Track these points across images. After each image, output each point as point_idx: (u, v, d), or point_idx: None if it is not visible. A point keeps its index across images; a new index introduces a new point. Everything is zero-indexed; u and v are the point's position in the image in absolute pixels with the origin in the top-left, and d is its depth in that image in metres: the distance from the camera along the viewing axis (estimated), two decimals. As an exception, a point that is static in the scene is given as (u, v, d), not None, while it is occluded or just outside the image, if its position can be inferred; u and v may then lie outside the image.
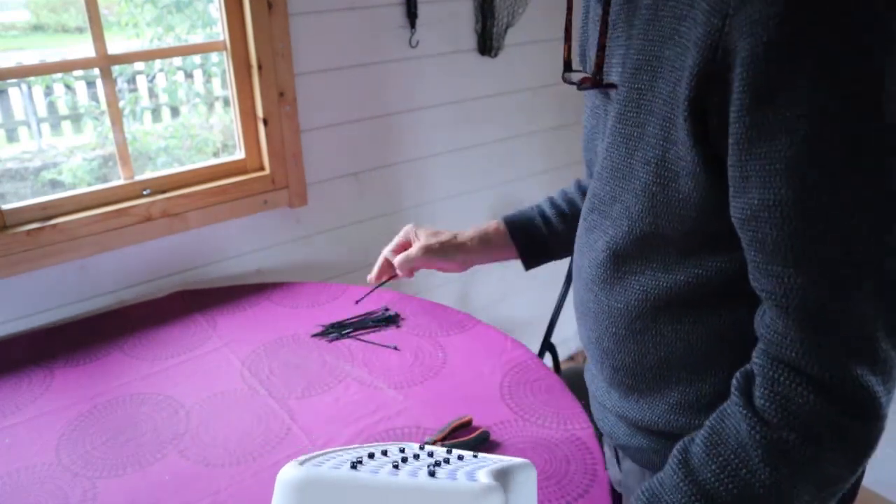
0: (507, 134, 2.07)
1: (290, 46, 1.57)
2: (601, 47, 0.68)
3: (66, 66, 1.49)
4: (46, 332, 1.42)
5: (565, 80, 0.79)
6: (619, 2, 0.68)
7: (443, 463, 0.70)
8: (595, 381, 0.90)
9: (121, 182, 1.52)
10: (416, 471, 0.64)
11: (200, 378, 1.25)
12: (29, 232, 1.38)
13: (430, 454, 0.74)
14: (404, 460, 0.69)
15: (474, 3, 1.84)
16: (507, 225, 1.09)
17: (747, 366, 0.62)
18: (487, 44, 1.89)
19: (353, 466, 0.63)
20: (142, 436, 1.11)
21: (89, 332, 1.40)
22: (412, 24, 1.74)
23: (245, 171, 1.64)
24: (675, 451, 0.64)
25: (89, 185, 1.52)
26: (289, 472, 0.61)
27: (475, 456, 0.76)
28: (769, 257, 0.56)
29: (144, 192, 1.53)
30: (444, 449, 0.78)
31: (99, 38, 1.42)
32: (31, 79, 3.33)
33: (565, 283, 1.64)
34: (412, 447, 0.76)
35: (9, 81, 3.25)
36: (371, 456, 0.69)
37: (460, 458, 0.74)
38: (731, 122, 0.55)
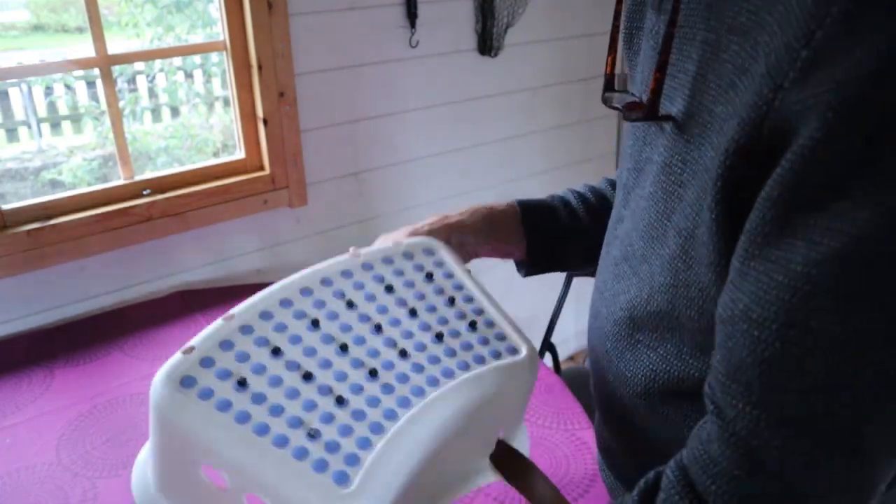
0: (507, 134, 2.07)
1: (291, 46, 1.57)
2: (660, 67, 0.54)
3: (66, 66, 1.49)
4: (46, 332, 1.42)
5: (605, 102, 0.66)
6: (685, 24, 0.55)
7: (411, 353, 0.59)
8: (600, 431, 0.80)
9: (121, 182, 1.52)
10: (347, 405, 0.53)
11: (200, 378, 1.25)
12: (29, 232, 1.38)
13: (408, 334, 0.61)
14: (370, 368, 0.57)
15: (474, 3, 1.84)
16: (522, 207, 0.86)
17: (659, 470, 0.54)
18: (487, 44, 1.89)
19: (245, 383, 0.52)
20: (142, 436, 1.10)
21: (89, 332, 1.40)
22: (412, 24, 1.74)
23: (245, 171, 1.64)
24: None
25: (89, 185, 1.52)
26: (158, 389, 0.51)
27: (472, 327, 0.64)
28: (732, 373, 0.46)
29: (144, 192, 1.53)
30: (426, 307, 0.63)
31: (99, 38, 1.42)
32: (31, 79, 3.33)
33: (566, 283, 1.64)
34: (390, 316, 0.62)
35: (8, 81, 3.25)
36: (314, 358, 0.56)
37: (439, 337, 0.62)
38: (754, 208, 0.45)
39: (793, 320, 0.42)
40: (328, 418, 0.53)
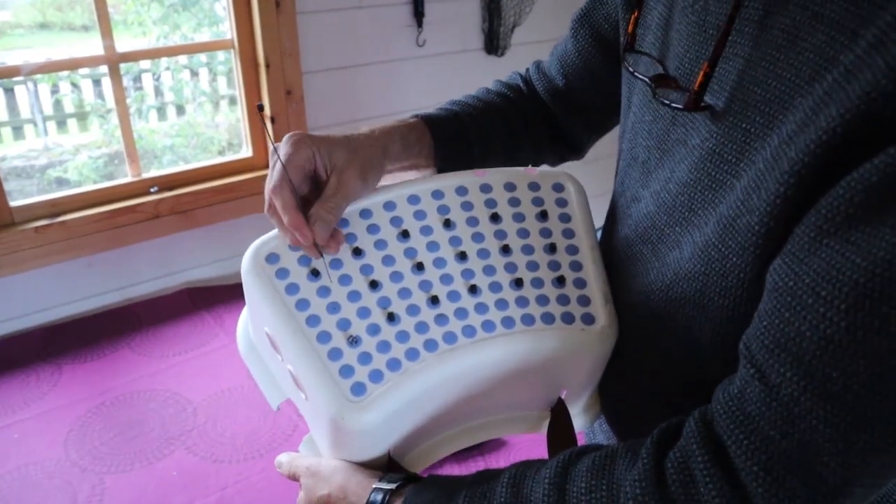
0: (513, 133, 2.07)
1: (298, 45, 1.57)
2: (713, 60, 0.52)
3: (75, 64, 1.50)
4: (54, 329, 1.42)
5: (627, 69, 0.61)
6: (750, 6, 0.51)
7: (483, 291, 0.57)
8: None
9: (128, 179, 1.52)
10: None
11: (208, 375, 1.25)
12: (37, 229, 1.38)
13: (490, 271, 0.58)
14: (432, 298, 0.56)
15: (481, 2, 1.84)
16: (425, 119, 0.80)
17: (681, 419, 0.52)
18: (494, 43, 1.89)
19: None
20: (149, 432, 1.11)
21: (97, 329, 1.40)
22: (419, 24, 1.74)
23: (253, 169, 1.65)
24: (570, 452, 0.55)
25: (94, 182, 1.52)
26: (247, 257, 0.56)
27: (560, 282, 0.59)
28: (784, 342, 0.46)
29: (152, 190, 1.53)
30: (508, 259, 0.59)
31: (108, 36, 1.42)
32: (38, 76, 3.33)
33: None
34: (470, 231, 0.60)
35: (15, 79, 3.26)
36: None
37: (518, 283, 0.58)
38: (838, 185, 0.43)
39: (864, 303, 0.42)
40: (374, 330, 0.54)
